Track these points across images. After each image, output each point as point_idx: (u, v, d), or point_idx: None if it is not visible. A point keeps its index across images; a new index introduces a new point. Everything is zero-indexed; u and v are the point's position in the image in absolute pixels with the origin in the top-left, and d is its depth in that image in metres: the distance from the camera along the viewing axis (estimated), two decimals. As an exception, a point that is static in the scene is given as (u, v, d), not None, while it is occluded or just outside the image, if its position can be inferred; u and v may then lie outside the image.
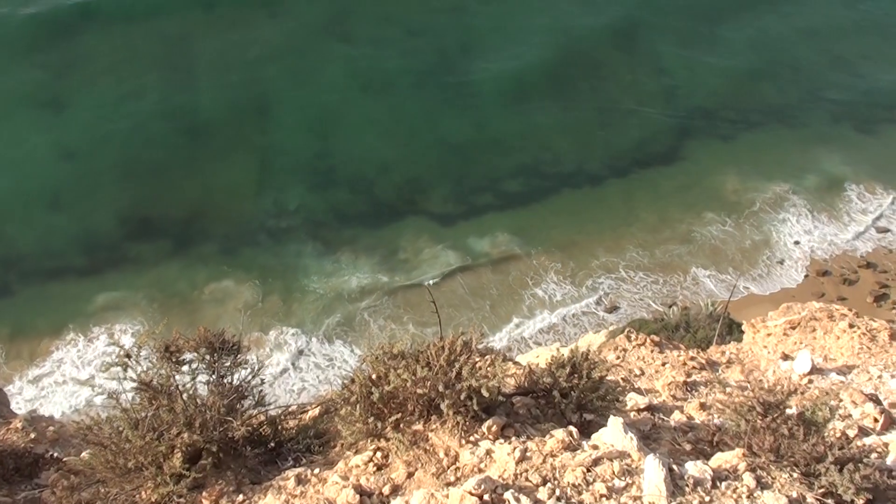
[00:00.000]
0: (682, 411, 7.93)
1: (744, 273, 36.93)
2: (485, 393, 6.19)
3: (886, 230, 39.22)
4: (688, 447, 6.66)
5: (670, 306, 33.19)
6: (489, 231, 37.51)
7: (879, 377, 12.91)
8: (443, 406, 6.29)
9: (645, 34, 49.67)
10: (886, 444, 9.11)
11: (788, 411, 6.93)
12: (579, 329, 33.77)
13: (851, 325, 12.20)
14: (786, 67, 48.59)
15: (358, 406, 6.55)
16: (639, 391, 8.69)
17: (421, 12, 48.56)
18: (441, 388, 6.30)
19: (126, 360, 7.07)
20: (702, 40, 49.87)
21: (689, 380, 9.34)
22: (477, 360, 6.81)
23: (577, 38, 48.13)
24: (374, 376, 6.71)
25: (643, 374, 9.83)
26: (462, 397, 6.25)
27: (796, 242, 38.32)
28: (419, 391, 6.37)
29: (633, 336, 11.08)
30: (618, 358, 10.23)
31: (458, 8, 49.56)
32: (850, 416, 9.58)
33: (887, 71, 49.13)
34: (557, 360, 7.20)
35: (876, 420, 10.08)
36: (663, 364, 10.01)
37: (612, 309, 34.86)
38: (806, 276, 37.05)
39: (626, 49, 48.40)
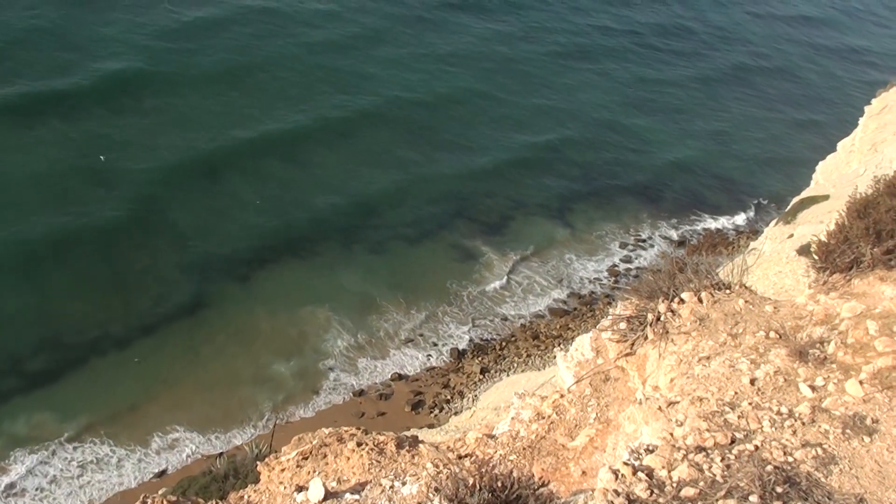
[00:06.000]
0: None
1: (298, 404, 37.78)
2: None
3: (410, 340, 43.19)
4: None
5: (218, 457, 32.55)
6: (21, 413, 33.76)
7: (392, 487, 13.94)
8: None
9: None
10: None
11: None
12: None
13: (360, 444, 13.06)
14: (284, 203, 50.52)
15: None
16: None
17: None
18: None
19: None
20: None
21: (196, 537, 9.05)
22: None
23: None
24: None
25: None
26: None
27: (330, 369, 40.39)
28: None
29: (149, 500, 10.51)
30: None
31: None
32: (358, 533, 10.13)
33: (368, 184, 53.40)
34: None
35: (381, 531, 10.83)
36: (177, 526, 9.58)
37: (161, 473, 33.06)
38: (343, 400, 39.11)
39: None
